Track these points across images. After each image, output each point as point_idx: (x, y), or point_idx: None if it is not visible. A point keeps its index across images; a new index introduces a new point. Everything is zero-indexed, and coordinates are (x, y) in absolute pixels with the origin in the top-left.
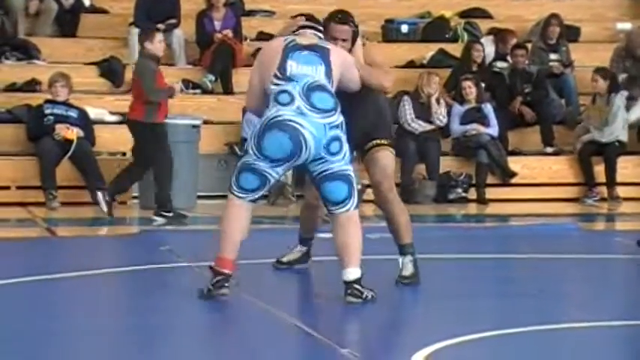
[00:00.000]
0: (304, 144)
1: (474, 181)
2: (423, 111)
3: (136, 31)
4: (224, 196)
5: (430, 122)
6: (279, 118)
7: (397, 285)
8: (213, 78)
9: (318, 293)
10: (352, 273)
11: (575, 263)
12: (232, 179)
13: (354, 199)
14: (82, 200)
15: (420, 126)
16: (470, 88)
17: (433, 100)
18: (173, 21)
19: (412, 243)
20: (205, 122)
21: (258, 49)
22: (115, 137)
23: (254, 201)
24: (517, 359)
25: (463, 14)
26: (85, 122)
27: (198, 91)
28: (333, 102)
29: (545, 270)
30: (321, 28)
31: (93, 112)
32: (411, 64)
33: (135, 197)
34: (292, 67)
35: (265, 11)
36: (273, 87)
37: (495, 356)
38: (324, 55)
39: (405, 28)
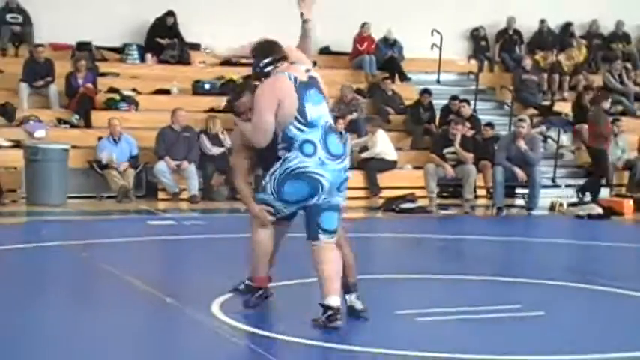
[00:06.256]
0: (321, 190)
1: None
2: (216, 141)
3: (23, 85)
4: (87, 197)
5: (223, 147)
6: (303, 170)
7: None
8: (78, 117)
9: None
10: (331, 300)
11: None
12: None
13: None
14: None
15: (218, 150)
16: None
17: (219, 133)
18: (50, 79)
19: None
20: (73, 147)
21: (109, 99)
22: (9, 157)
23: (273, 223)
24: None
25: (246, 77)
26: None
27: (67, 125)
28: (342, 144)
29: None
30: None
31: None
32: (211, 110)
33: (23, 198)
34: (311, 111)
35: (113, 73)
36: (296, 132)
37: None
38: (320, 87)
39: (207, 86)
